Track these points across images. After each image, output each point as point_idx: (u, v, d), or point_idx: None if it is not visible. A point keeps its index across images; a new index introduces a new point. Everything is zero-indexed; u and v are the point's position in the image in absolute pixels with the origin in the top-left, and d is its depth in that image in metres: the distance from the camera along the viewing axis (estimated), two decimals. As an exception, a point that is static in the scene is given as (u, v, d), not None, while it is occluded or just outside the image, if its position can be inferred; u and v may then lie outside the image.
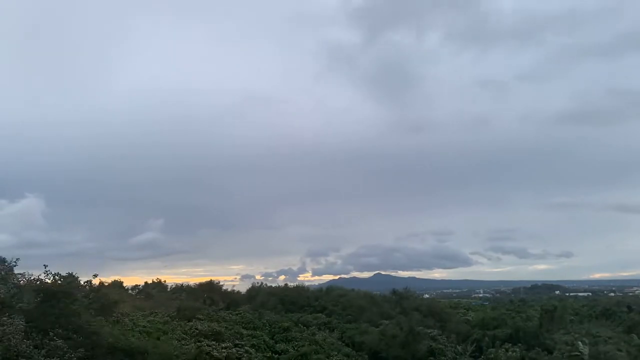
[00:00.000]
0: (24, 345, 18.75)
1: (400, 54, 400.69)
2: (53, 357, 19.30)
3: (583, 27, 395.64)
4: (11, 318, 19.51)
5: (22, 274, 25.19)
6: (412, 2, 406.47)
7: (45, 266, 24.36)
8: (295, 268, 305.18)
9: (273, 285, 71.68)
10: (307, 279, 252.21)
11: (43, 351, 19.43)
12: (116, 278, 50.47)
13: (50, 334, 20.56)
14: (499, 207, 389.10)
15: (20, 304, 21.30)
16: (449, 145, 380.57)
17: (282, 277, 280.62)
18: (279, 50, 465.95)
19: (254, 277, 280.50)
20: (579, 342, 44.13)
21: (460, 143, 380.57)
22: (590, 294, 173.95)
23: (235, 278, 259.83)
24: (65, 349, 19.97)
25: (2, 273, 24.72)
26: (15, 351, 18.35)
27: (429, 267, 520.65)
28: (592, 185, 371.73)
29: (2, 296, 20.94)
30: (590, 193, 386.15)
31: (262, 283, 70.05)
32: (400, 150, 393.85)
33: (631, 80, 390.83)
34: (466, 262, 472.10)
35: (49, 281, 24.06)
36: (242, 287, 68.76)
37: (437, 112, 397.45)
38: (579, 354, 42.27)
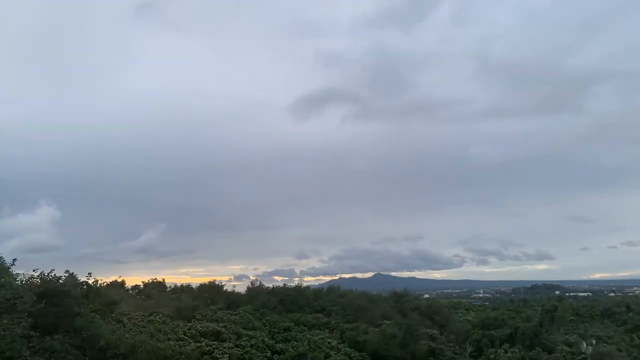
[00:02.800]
0: (24, 347, 18.42)
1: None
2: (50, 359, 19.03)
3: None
4: (14, 319, 19.10)
5: (21, 274, 24.98)
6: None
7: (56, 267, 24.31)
8: (290, 268, 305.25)
9: (269, 285, 71.45)
10: (305, 279, 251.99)
11: (46, 353, 19.21)
12: (116, 278, 50.10)
13: (48, 335, 20.33)
14: (485, 211, 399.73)
15: (21, 306, 20.98)
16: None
17: (278, 278, 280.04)
18: (279, 57, 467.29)
19: (248, 277, 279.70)
20: (583, 342, 44.12)
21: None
22: (590, 294, 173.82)
23: (231, 278, 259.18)
24: (65, 351, 19.75)
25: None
26: (17, 354, 18.04)
27: (423, 268, 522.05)
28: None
29: (4, 297, 20.59)
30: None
31: (261, 283, 69.91)
32: (394, 155, 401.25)
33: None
34: (450, 264, 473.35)
35: (52, 279, 23.95)
36: (237, 288, 68.60)
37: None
38: (581, 354, 42.25)
